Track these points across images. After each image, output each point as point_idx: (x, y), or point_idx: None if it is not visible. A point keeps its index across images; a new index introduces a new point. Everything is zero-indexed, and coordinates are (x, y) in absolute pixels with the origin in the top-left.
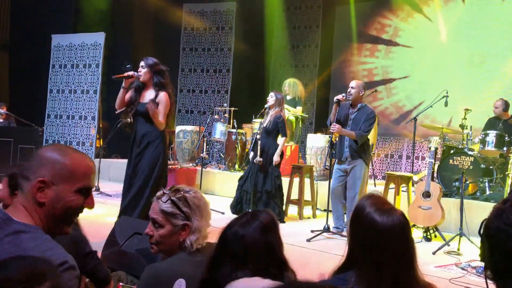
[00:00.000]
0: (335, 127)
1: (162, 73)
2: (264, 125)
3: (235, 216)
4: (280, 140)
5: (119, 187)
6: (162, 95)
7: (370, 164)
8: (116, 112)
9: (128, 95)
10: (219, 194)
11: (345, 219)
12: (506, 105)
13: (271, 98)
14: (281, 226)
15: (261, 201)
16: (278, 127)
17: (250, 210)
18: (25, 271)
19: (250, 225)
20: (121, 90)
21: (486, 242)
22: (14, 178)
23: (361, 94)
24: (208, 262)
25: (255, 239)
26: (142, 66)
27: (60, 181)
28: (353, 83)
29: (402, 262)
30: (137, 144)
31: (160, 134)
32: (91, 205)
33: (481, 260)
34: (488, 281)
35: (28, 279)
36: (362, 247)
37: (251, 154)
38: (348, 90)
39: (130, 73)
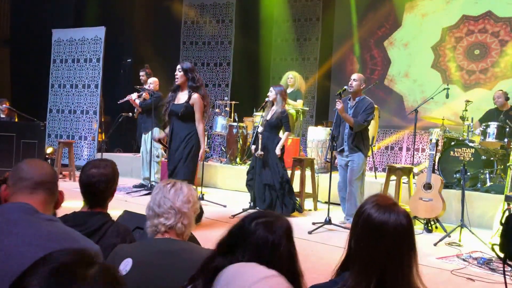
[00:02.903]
0: (339, 104)
1: (195, 78)
2: (268, 118)
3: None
4: (283, 134)
5: (121, 181)
6: (196, 97)
7: (371, 156)
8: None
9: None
10: (221, 187)
11: (346, 211)
12: (505, 95)
13: (271, 93)
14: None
15: (271, 195)
16: (282, 122)
17: (259, 208)
18: (77, 252)
19: (278, 229)
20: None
21: None
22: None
23: (361, 87)
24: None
25: (283, 245)
26: (178, 69)
27: None
28: (354, 76)
29: (391, 262)
30: (174, 141)
31: (193, 131)
32: None
33: (501, 251)
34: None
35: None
36: (356, 241)
37: (253, 147)
38: (350, 83)
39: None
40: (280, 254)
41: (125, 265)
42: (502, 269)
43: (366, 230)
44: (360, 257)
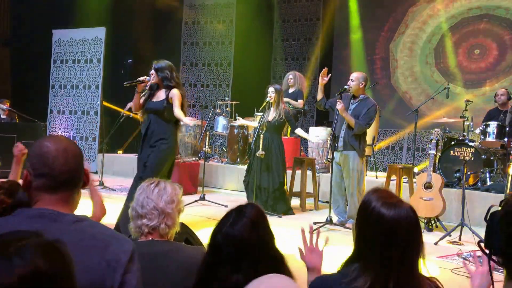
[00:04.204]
0: (339, 104)
1: (168, 77)
2: (270, 119)
3: None
4: (299, 131)
5: (122, 181)
6: (174, 91)
7: (371, 156)
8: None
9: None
10: (222, 187)
11: (347, 212)
12: (508, 94)
13: (273, 94)
14: (284, 218)
15: (273, 196)
16: (287, 120)
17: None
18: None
19: (239, 224)
20: (135, 94)
21: (501, 227)
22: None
23: (361, 86)
24: (200, 271)
25: (246, 237)
26: (153, 68)
27: None
28: (352, 76)
29: (409, 256)
30: (148, 139)
31: (171, 131)
32: None
33: (486, 247)
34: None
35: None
36: (369, 241)
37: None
38: (348, 83)
39: (141, 78)
40: (248, 244)
41: None
42: (501, 268)
43: (381, 231)
44: (377, 257)
